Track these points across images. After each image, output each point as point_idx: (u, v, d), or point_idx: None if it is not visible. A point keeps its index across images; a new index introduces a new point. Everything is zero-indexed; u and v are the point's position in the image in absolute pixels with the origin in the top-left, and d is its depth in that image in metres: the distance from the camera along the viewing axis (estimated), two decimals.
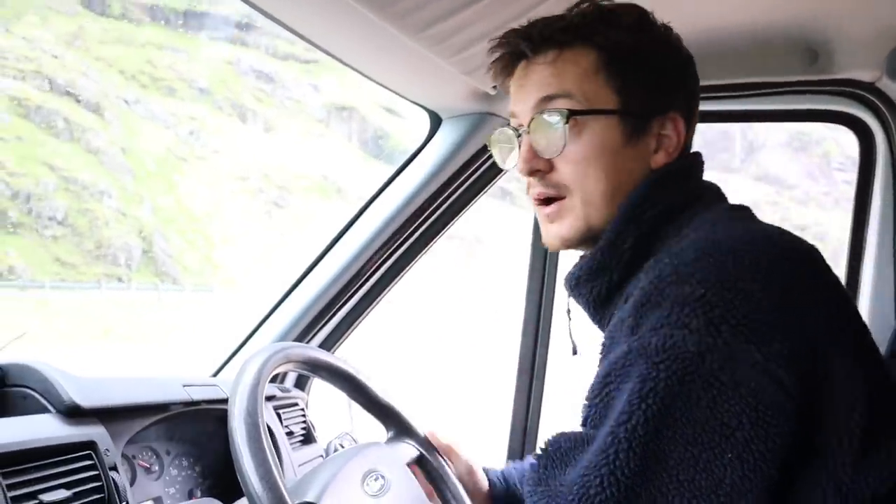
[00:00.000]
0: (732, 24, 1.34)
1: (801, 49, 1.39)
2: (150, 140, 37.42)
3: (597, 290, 0.89)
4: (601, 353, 0.86)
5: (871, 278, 1.50)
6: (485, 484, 1.24)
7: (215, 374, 1.68)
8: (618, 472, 0.68)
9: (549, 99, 0.88)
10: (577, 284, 0.91)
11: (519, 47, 0.92)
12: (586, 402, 0.78)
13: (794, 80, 1.48)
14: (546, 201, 0.92)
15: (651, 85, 0.89)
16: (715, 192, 0.91)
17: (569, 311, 1.00)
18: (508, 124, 1.05)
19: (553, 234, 0.93)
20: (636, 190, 0.87)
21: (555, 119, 0.87)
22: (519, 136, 0.93)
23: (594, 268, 0.88)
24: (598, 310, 0.91)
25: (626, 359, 0.73)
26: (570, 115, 0.86)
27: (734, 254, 0.73)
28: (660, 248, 0.84)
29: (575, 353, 1.06)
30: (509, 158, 0.98)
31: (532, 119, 0.90)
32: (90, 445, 1.02)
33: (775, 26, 1.35)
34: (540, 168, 0.90)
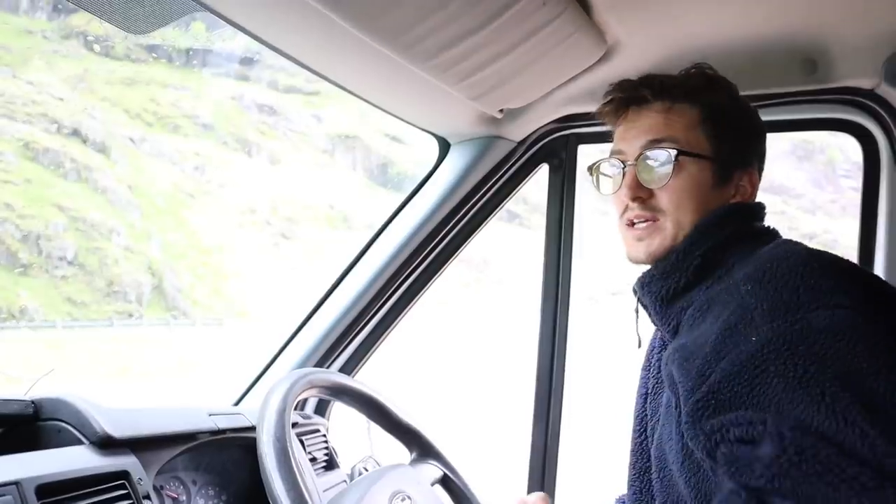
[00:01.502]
0: (731, 38, 1.36)
1: (800, 59, 1.41)
2: (156, 177, 37.75)
3: (665, 289, 1.02)
4: (671, 338, 1.02)
5: None
6: None
7: (237, 403, 1.70)
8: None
9: (658, 141, 1.05)
10: (650, 282, 1.05)
11: (640, 92, 1.09)
12: (713, 390, 0.82)
13: (794, 91, 1.50)
14: (636, 221, 1.07)
15: (737, 142, 1.08)
16: (777, 232, 1.06)
17: (636, 311, 1.12)
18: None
19: (642, 249, 1.07)
20: (714, 212, 1.04)
21: (664, 157, 1.04)
22: (624, 167, 1.08)
23: (667, 270, 1.03)
24: (663, 308, 1.04)
25: (789, 339, 0.79)
26: (679, 154, 1.03)
27: (833, 260, 0.89)
28: (728, 263, 0.98)
29: (640, 345, 1.20)
30: (605, 186, 1.14)
31: (640, 155, 1.06)
32: (124, 475, 1.04)
33: (774, 38, 1.37)
34: (641, 195, 1.06)
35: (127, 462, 1.06)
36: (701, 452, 0.85)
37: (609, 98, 1.13)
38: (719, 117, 1.07)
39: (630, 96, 1.10)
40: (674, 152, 1.03)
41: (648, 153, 1.05)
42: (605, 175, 1.13)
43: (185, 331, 27.86)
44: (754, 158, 1.11)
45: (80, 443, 1.05)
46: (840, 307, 0.80)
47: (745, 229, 1.03)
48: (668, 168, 1.03)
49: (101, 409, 1.10)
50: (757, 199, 1.11)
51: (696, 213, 1.03)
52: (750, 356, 0.80)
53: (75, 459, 1.00)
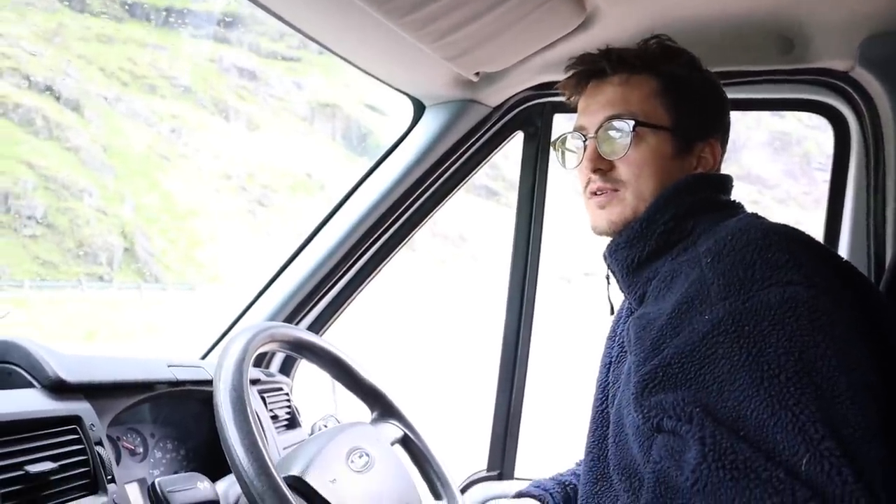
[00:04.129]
0: (708, 14, 1.36)
1: (776, 39, 1.41)
2: (131, 138, 37.09)
3: (631, 258, 1.04)
4: (637, 306, 1.04)
5: None
6: None
7: (203, 358, 1.68)
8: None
9: (616, 116, 1.06)
10: (616, 251, 1.07)
11: (599, 65, 1.09)
12: (664, 364, 0.84)
13: (770, 70, 1.50)
14: (599, 192, 1.08)
15: (696, 113, 1.08)
16: (741, 206, 1.07)
17: (607, 277, 1.15)
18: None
19: (604, 217, 1.08)
20: (677, 181, 1.04)
21: (622, 129, 1.04)
22: (585, 141, 1.09)
23: (633, 238, 1.04)
24: (629, 276, 1.06)
25: (738, 319, 0.81)
26: (636, 125, 1.04)
27: (793, 234, 0.90)
28: (694, 234, 1.00)
29: (612, 312, 1.23)
30: (570, 160, 1.14)
31: (600, 127, 1.06)
32: (75, 420, 1.02)
33: (751, 16, 1.37)
34: (602, 167, 1.07)
35: (79, 407, 1.04)
36: (642, 427, 0.88)
37: (570, 72, 1.13)
38: (678, 88, 1.07)
39: (589, 70, 1.11)
40: (632, 123, 1.03)
41: (609, 124, 1.06)
42: (569, 150, 1.14)
43: (156, 295, 27.60)
44: (716, 130, 1.11)
45: (31, 386, 1.03)
46: (792, 283, 0.81)
47: (709, 200, 1.04)
48: (627, 139, 1.04)
49: (54, 354, 1.08)
50: (731, 186, 1.11)
51: (657, 183, 1.04)
52: (703, 336, 0.82)
53: (25, 402, 0.98)
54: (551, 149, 1.19)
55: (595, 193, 1.08)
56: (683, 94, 1.07)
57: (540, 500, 1.27)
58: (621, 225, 1.06)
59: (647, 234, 1.02)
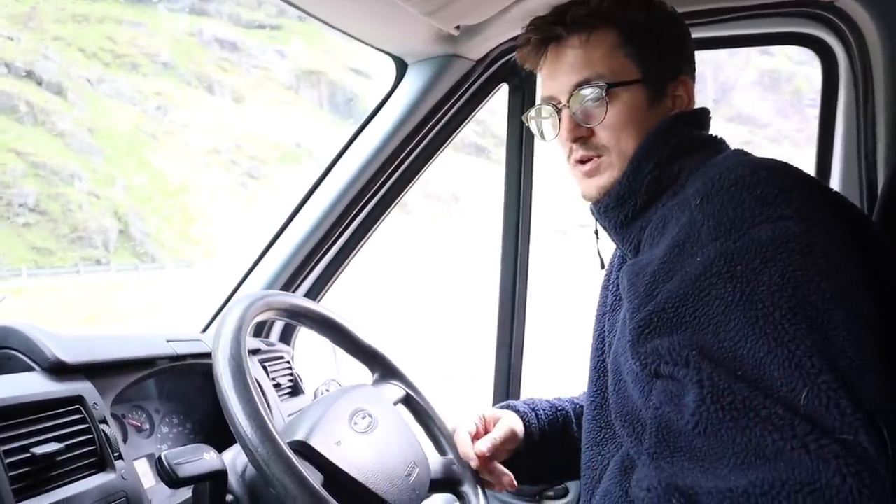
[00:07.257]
0: None
1: None
2: (117, 118, 36.72)
3: (623, 215, 1.03)
4: (632, 256, 1.02)
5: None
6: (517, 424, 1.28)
7: (203, 331, 1.69)
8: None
9: (584, 82, 1.02)
10: (606, 210, 1.05)
11: (554, 31, 1.04)
12: (658, 309, 0.83)
13: (755, 4, 1.47)
14: (583, 160, 1.06)
15: (663, 54, 1.04)
16: (723, 141, 1.05)
17: (596, 232, 1.15)
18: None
19: (594, 185, 1.06)
20: (657, 126, 1.02)
21: (593, 94, 1.01)
22: (559, 111, 1.05)
23: (622, 194, 1.02)
24: (622, 230, 1.05)
25: (730, 259, 0.80)
26: (608, 88, 1.00)
27: (781, 168, 0.88)
28: (681, 176, 0.98)
29: (602, 267, 1.23)
30: (548, 131, 1.11)
31: (571, 96, 1.03)
32: (77, 400, 1.02)
33: None
34: (583, 135, 1.04)
35: (81, 387, 1.04)
36: (640, 374, 0.88)
37: (525, 40, 1.09)
38: (640, 34, 1.03)
39: (546, 36, 1.06)
40: (603, 87, 1.00)
41: (579, 92, 1.02)
42: (545, 119, 1.11)
43: (154, 274, 27.64)
44: (683, 65, 1.07)
45: (31, 369, 1.04)
46: (783, 218, 0.80)
47: (690, 139, 1.02)
48: (601, 105, 1.01)
49: (52, 336, 1.08)
50: (721, 128, 1.09)
51: (639, 137, 1.02)
52: (695, 278, 0.81)
53: (27, 385, 0.98)
54: (526, 123, 1.15)
55: (581, 161, 1.06)
56: (647, 39, 1.03)
57: (523, 418, 1.27)
58: (611, 187, 1.04)
59: (636, 187, 1.01)
